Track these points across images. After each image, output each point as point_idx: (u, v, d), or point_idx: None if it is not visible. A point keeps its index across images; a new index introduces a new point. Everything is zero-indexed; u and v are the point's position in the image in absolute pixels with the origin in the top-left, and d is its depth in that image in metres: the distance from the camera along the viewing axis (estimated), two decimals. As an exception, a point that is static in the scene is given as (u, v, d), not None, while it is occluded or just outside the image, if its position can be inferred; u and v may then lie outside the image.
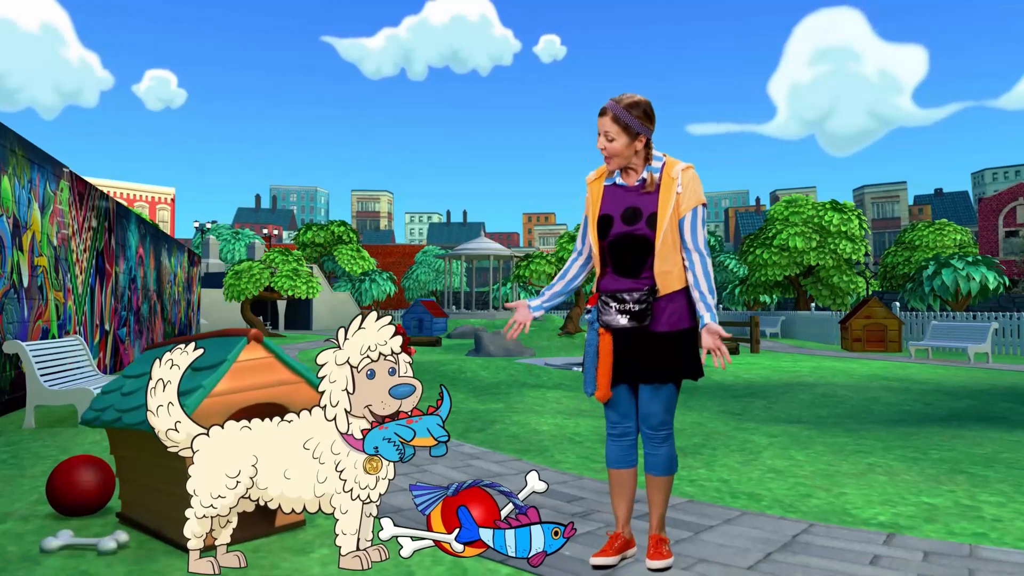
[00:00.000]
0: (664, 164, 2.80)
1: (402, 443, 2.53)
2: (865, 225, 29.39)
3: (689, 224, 2.76)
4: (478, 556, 2.75)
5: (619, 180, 2.84)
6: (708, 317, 2.72)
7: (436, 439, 2.53)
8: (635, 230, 2.75)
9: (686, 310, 2.77)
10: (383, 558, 2.83)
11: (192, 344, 2.78)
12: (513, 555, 2.57)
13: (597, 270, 2.90)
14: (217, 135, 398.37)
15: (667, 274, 2.74)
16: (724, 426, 6.62)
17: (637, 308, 2.71)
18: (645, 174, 2.79)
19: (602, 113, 2.77)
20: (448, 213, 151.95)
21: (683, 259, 2.78)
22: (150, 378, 2.70)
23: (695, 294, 2.75)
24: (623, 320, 2.73)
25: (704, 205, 2.77)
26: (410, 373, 2.65)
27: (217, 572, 2.73)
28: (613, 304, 2.75)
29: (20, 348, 6.44)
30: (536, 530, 2.59)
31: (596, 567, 2.81)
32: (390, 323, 2.61)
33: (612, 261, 2.82)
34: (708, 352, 2.74)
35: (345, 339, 2.56)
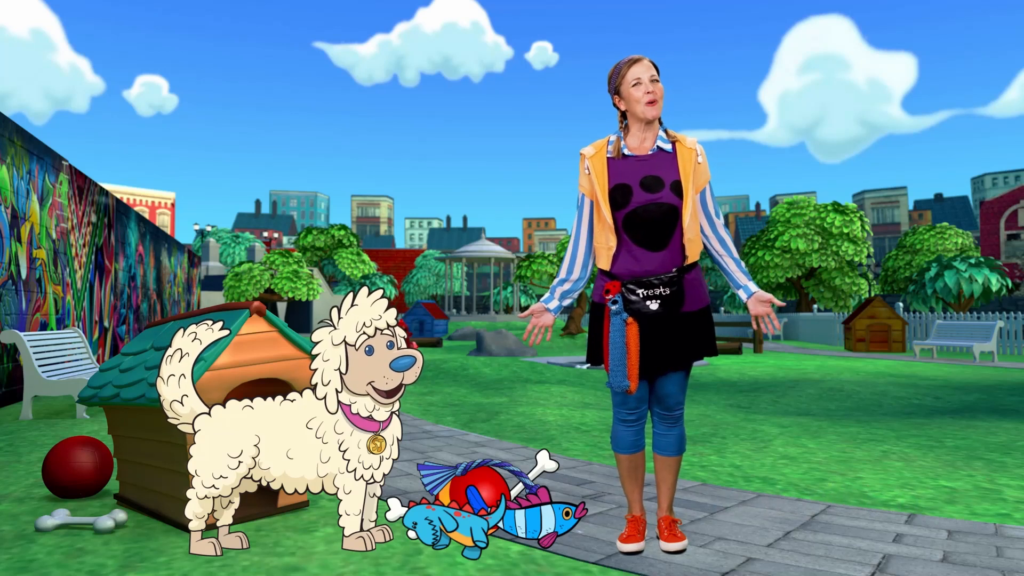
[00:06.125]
0: (676, 135, 2.70)
1: (441, 530, 2.43)
2: (867, 227, 29.32)
3: (710, 197, 2.70)
4: (488, 536, 2.66)
5: (627, 151, 2.66)
6: (753, 286, 2.69)
7: (475, 542, 2.42)
8: (660, 198, 2.58)
9: (703, 286, 2.71)
10: (387, 539, 2.74)
11: (220, 323, 2.69)
12: (523, 535, 2.47)
13: (610, 246, 2.65)
14: (212, 141, 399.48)
15: (692, 242, 2.64)
16: (732, 417, 6.52)
17: (669, 292, 2.56)
18: (662, 132, 2.68)
19: (638, 60, 2.62)
20: (448, 218, 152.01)
21: (706, 234, 2.71)
22: (170, 346, 2.62)
23: (731, 265, 2.71)
24: (653, 305, 2.56)
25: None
26: (407, 345, 2.56)
27: (219, 553, 2.63)
28: (640, 290, 2.57)
29: (17, 338, 6.34)
30: (547, 510, 2.50)
31: (627, 553, 2.69)
32: (382, 296, 2.53)
33: (631, 234, 2.61)
34: (757, 318, 2.68)
35: (339, 318, 2.48)
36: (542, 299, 2.83)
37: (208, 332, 2.64)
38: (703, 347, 2.67)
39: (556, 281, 2.82)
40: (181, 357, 2.60)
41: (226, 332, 2.69)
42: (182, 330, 2.63)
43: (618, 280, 2.62)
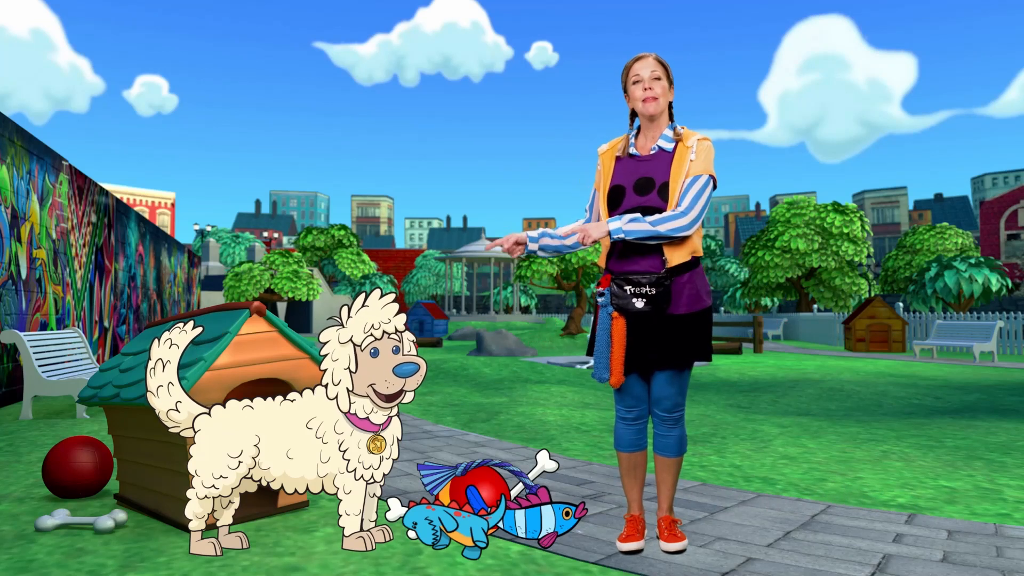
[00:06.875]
0: (682, 134, 2.69)
1: (441, 530, 2.43)
2: (867, 227, 29.31)
3: (686, 186, 2.58)
4: (488, 536, 2.66)
5: (633, 150, 2.71)
6: (613, 222, 2.57)
7: (475, 542, 2.42)
8: (647, 201, 2.61)
9: (702, 289, 2.67)
10: (387, 539, 2.74)
11: (191, 323, 2.69)
12: (523, 535, 2.47)
13: (606, 244, 2.74)
14: (212, 141, 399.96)
15: (680, 244, 2.60)
16: (732, 417, 6.52)
17: (655, 292, 2.56)
18: (669, 131, 2.67)
19: (641, 57, 2.65)
20: (448, 218, 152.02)
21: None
22: (149, 358, 2.61)
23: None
24: (639, 304, 2.57)
25: (712, 177, 2.61)
26: (414, 352, 2.56)
27: (219, 553, 2.63)
28: (628, 287, 2.59)
29: (17, 338, 6.34)
30: (547, 510, 2.49)
31: (626, 553, 2.69)
32: (393, 301, 2.53)
33: None
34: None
35: (348, 317, 2.48)
36: (527, 232, 2.90)
37: (182, 335, 2.62)
38: (692, 351, 2.62)
39: (552, 230, 2.89)
40: (164, 367, 2.59)
41: (199, 330, 2.68)
42: (157, 340, 2.61)
43: (611, 275, 2.67)
